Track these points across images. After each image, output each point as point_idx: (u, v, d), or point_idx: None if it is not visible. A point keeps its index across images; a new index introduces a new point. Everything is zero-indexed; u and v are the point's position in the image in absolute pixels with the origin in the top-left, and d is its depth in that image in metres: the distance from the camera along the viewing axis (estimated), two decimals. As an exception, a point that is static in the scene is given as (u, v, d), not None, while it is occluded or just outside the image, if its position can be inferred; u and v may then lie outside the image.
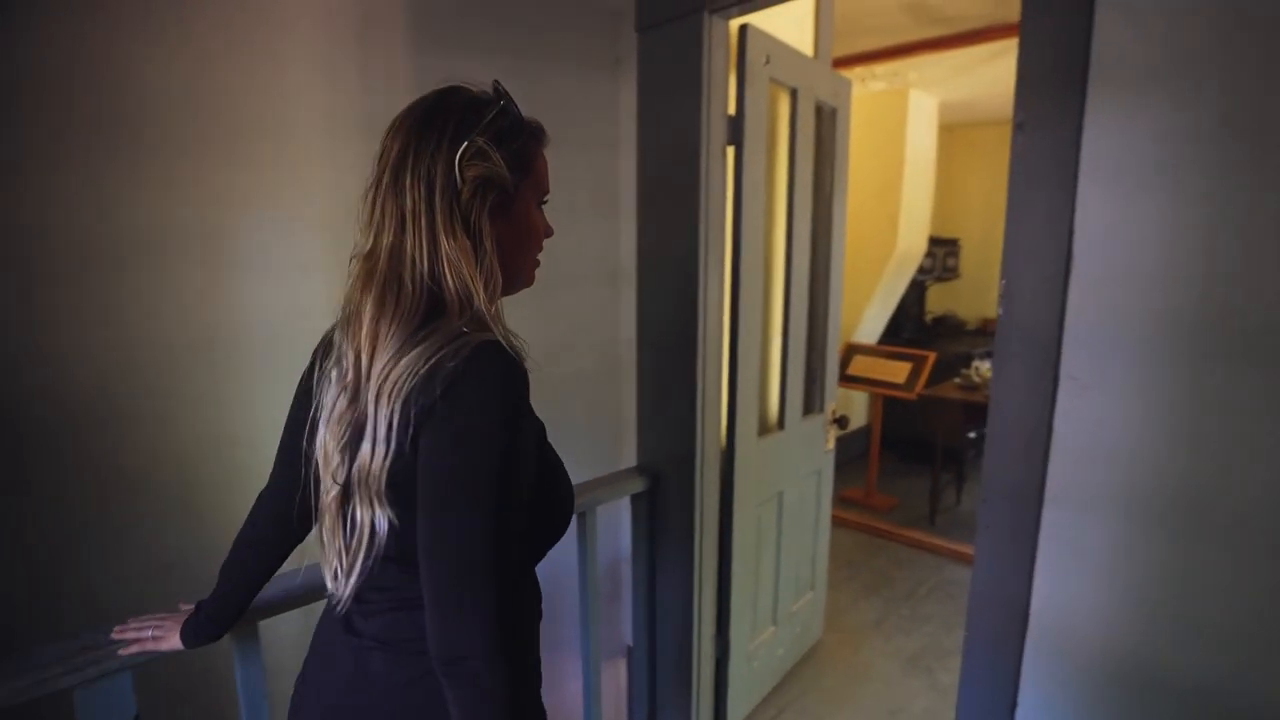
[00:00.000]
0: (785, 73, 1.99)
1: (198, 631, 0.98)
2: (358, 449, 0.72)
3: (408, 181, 0.72)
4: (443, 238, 0.72)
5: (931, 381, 3.92)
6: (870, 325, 4.64)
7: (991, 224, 5.51)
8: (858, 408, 4.88)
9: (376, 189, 0.75)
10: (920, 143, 4.39)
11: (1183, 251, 1.07)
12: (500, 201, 0.76)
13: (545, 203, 0.85)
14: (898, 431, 4.54)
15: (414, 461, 0.69)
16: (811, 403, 2.45)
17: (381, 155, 0.75)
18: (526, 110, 0.81)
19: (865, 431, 4.65)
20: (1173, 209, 1.08)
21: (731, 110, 1.85)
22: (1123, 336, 1.14)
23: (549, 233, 0.85)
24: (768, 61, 1.89)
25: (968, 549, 3.37)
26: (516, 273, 0.83)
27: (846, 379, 4.03)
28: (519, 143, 0.78)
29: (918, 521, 3.81)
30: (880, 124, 4.30)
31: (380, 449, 0.69)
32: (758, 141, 1.92)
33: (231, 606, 0.99)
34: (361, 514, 0.72)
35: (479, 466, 0.66)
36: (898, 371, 3.91)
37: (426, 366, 0.68)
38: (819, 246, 2.35)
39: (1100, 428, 1.17)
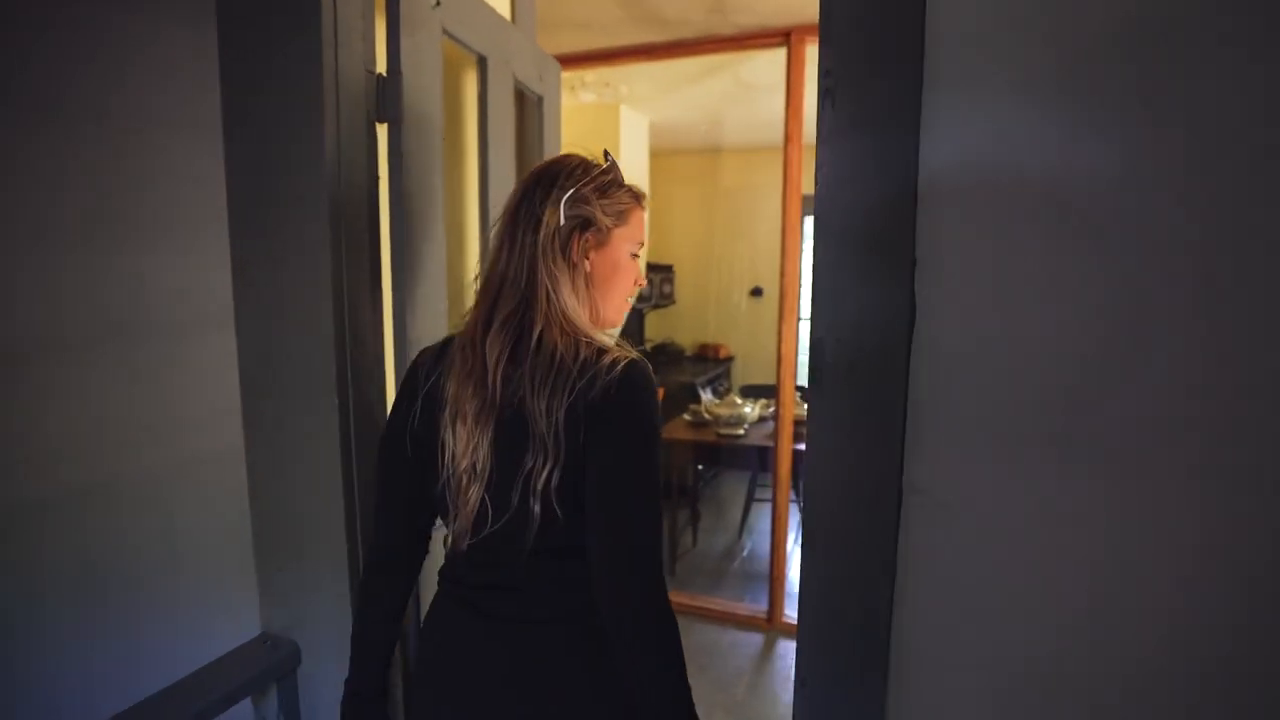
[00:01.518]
0: (467, 29, 1.39)
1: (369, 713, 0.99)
2: (493, 432, 0.84)
3: (521, 219, 0.89)
4: (540, 262, 0.87)
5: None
6: (594, 358, 4.26)
7: (702, 250, 5.58)
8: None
9: (500, 227, 0.92)
10: (635, 163, 4.15)
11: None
12: (596, 240, 0.92)
13: (636, 255, 1.00)
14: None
15: (581, 463, 0.82)
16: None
17: (508, 202, 0.93)
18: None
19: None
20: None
21: (381, 68, 1.20)
22: (989, 421, 0.73)
23: (640, 282, 1.02)
24: (438, 3, 1.28)
25: (710, 603, 3.14)
26: (603, 306, 0.95)
27: (573, 422, 3.57)
28: (617, 196, 0.94)
29: (657, 575, 3.48)
30: (593, 140, 3.94)
31: (549, 458, 0.81)
32: (428, 121, 1.29)
33: (378, 659, 0.99)
34: (528, 506, 0.83)
35: (646, 466, 0.83)
36: (627, 411, 3.55)
37: (582, 382, 0.81)
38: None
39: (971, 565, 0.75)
